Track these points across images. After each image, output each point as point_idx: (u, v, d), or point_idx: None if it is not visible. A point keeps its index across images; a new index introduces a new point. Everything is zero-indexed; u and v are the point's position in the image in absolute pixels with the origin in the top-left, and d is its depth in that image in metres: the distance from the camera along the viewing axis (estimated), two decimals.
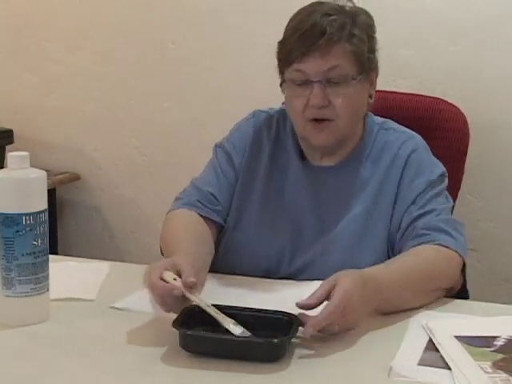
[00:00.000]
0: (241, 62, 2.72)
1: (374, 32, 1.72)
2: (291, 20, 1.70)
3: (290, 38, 1.67)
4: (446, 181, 1.75)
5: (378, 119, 1.80)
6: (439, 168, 1.75)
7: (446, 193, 1.73)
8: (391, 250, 1.67)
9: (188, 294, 1.37)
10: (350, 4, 1.71)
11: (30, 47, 2.99)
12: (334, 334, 1.35)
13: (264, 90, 2.64)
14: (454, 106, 2.08)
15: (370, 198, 1.71)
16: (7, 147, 2.78)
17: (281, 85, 1.71)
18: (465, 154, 2.05)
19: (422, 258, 1.57)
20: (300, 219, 1.73)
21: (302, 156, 1.77)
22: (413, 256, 1.58)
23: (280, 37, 1.71)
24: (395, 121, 1.82)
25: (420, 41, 2.47)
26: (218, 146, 1.85)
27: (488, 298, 1.68)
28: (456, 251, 1.59)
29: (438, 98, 2.10)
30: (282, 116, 1.82)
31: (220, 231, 1.77)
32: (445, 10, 2.44)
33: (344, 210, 1.71)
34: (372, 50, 1.71)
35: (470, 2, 2.41)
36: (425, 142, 1.78)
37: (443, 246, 1.59)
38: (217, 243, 1.75)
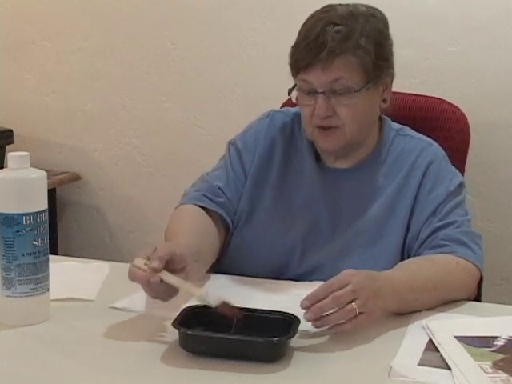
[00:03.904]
0: (241, 61, 2.72)
1: (386, 37, 1.70)
2: (304, 23, 1.69)
3: (298, 46, 1.66)
4: (465, 190, 1.74)
5: (395, 125, 1.80)
6: (457, 178, 1.74)
7: (465, 204, 1.72)
8: (407, 258, 1.66)
9: (162, 276, 1.37)
10: (363, 7, 1.69)
11: (30, 47, 2.99)
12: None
13: (264, 89, 2.65)
14: (454, 106, 2.08)
15: (385, 206, 1.70)
16: (7, 147, 2.78)
17: (292, 89, 1.70)
18: (465, 153, 2.05)
19: (441, 267, 1.57)
20: (313, 219, 1.73)
21: (317, 157, 1.77)
22: (431, 263, 1.58)
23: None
24: (395, 121, 1.82)
25: (420, 41, 2.47)
26: (231, 143, 1.85)
27: (488, 298, 1.68)
28: (475, 264, 1.59)
29: (439, 98, 2.10)
30: (297, 117, 1.81)
31: (226, 225, 1.74)
32: (445, 9, 2.44)
33: (358, 215, 1.70)
34: (382, 57, 1.67)
35: (470, 1, 2.41)
36: (443, 151, 1.77)
37: (462, 258, 1.59)
38: (226, 243, 1.76)
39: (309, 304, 1.34)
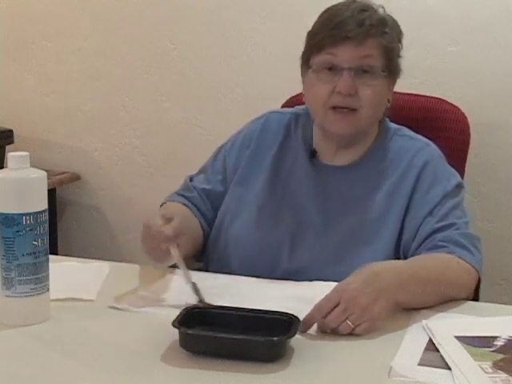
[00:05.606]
0: (241, 61, 2.72)
1: (401, 40, 1.76)
2: (322, 14, 1.73)
3: (323, 28, 1.69)
4: (463, 191, 1.74)
5: (393, 125, 1.80)
6: (455, 178, 1.73)
7: (464, 205, 1.71)
8: (403, 258, 1.65)
9: (171, 247, 1.52)
10: (381, 10, 1.73)
11: (30, 47, 2.99)
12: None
13: (264, 89, 2.65)
14: (454, 106, 2.08)
15: (379, 206, 1.70)
16: (7, 147, 2.78)
17: (303, 75, 1.73)
18: (465, 153, 2.05)
19: (442, 262, 1.57)
20: (303, 216, 1.73)
21: (312, 155, 1.77)
22: (433, 258, 1.58)
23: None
24: (395, 121, 1.82)
25: (420, 41, 2.47)
26: (221, 146, 1.89)
27: (488, 298, 1.68)
28: (474, 267, 1.59)
29: (439, 98, 2.10)
30: (294, 116, 1.83)
31: (202, 215, 1.83)
32: (445, 9, 2.44)
33: (351, 213, 1.71)
34: (399, 55, 1.75)
35: (470, 1, 2.41)
36: (440, 151, 1.77)
37: (461, 258, 1.59)
38: (212, 242, 1.80)
39: (304, 330, 1.36)
